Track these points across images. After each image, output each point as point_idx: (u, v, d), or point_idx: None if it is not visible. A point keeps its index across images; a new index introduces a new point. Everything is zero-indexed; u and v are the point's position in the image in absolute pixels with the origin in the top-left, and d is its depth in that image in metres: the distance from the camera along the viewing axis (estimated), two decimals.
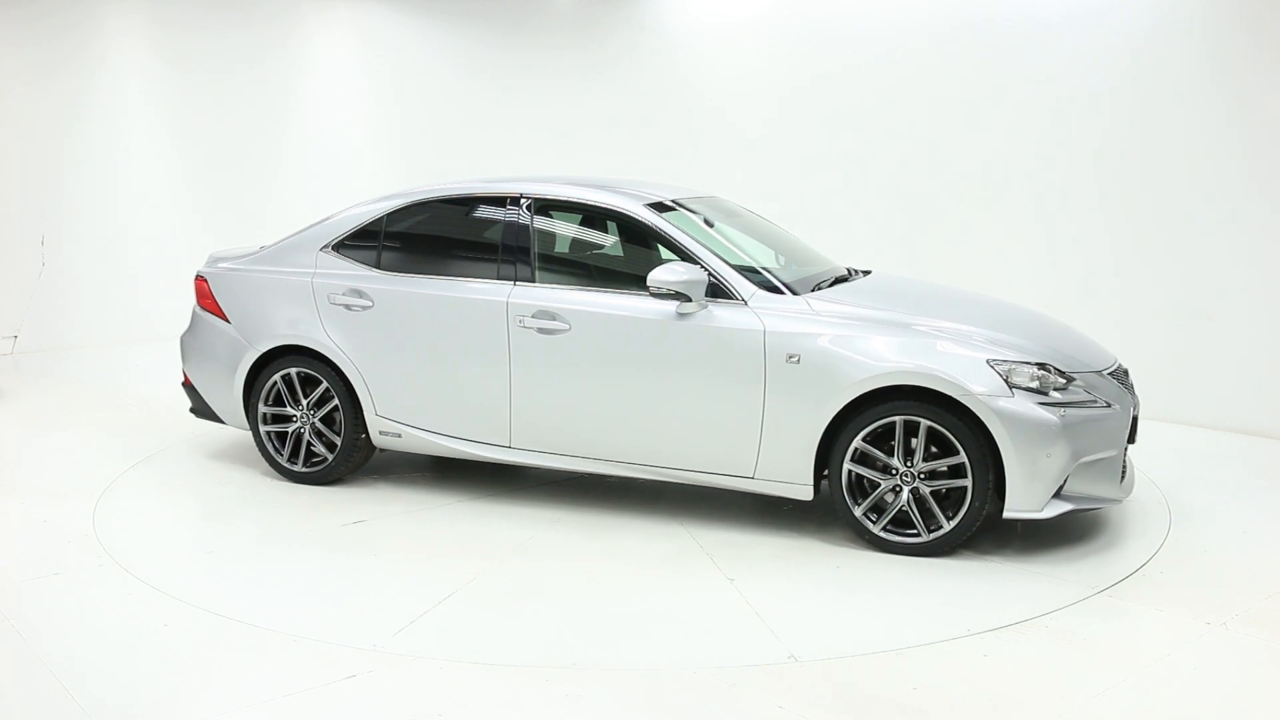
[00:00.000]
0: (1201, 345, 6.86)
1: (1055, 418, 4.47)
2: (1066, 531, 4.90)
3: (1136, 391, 5.09)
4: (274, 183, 10.35)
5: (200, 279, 5.93)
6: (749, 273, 5.02)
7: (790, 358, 4.73)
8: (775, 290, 4.91)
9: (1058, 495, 4.55)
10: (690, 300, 4.86)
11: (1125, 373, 5.04)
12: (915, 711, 3.39)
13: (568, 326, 5.06)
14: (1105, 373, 4.82)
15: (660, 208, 5.26)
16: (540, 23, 10.55)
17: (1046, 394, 4.53)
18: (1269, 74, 6.48)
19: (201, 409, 5.95)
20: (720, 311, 4.87)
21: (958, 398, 4.48)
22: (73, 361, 8.84)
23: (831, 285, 5.24)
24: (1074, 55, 7.25)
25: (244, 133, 10.12)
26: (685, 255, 5.00)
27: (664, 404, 4.96)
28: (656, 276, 4.83)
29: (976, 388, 4.47)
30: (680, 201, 5.50)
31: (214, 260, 6.02)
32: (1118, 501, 4.78)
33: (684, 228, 5.15)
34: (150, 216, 9.72)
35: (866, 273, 5.69)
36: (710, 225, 5.38)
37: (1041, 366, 4.58)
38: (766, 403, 4.77)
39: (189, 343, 5.97)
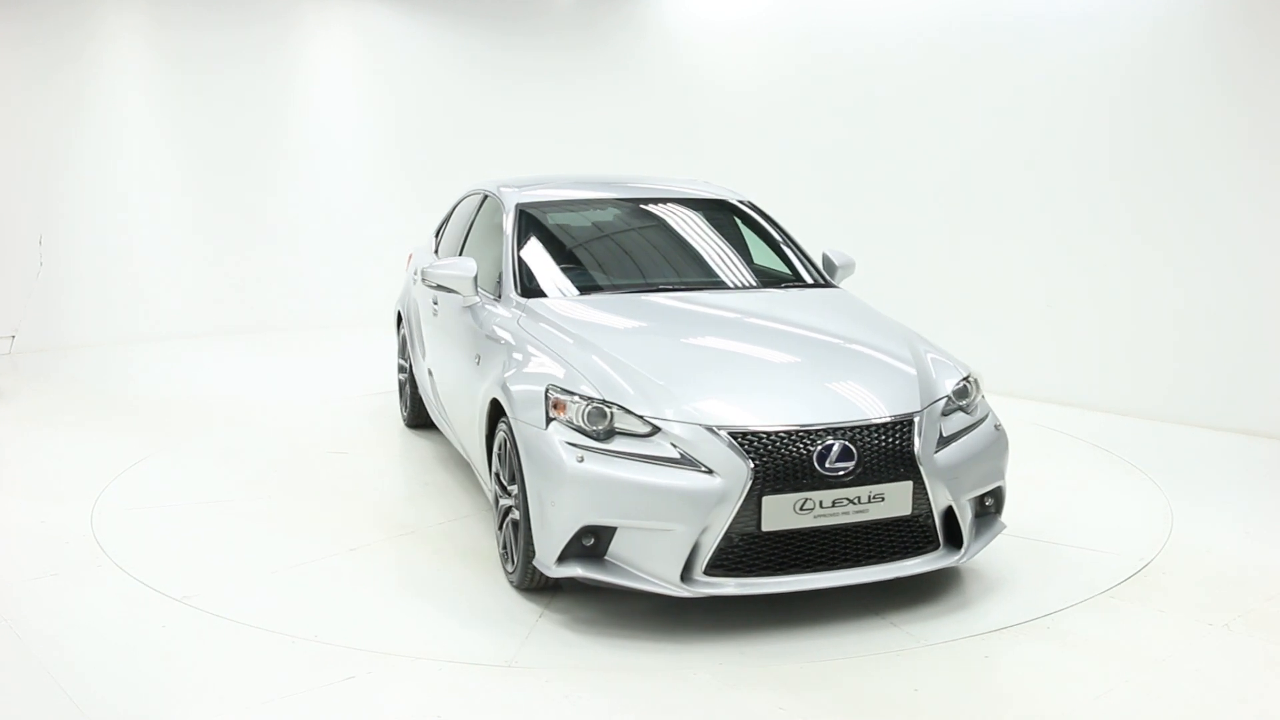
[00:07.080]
0: (1202, 344, 6.85)
1: (566, 461, 3.72)
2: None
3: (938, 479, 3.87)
4: (273, 181, 10.32)
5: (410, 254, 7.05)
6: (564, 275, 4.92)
7: (476, 359, 4.65)
8: (529, 294, 4.74)
9: (586, 557, 3.74)
10: (460, 294, 5.01)
11: (844, 450, 3.73)
12: (916, 712, 3.38)
13: (439, 309, 5.59)
14: (733, 433, 3.68)
15: (531, 207, 5.25)
16: (541, 22, 10.54)
17: (599, 437, 3.75)
18: (1274, 69, 6.47)
19: None
20: (486, 307, 4.89)
21: (511, 420, 4.04)
22: (70, 361, 8.82)
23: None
24: (1076, 53, 7.24)
25: (243, 131, 10.10)
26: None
27: (451, 389, 5.25)
28: (425, 270, 5.09)
29: (520, 412, 3.97)
30: (745, 198, 5.72)
31: None
32: (671, 590, 3.68)
33: (530, 227, 5.15)
34: (148, 215, 9.70)
35: (827, 286, 5.18)
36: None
37: (606, 404, 3.79)
38: (478, 402, 4.63)
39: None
